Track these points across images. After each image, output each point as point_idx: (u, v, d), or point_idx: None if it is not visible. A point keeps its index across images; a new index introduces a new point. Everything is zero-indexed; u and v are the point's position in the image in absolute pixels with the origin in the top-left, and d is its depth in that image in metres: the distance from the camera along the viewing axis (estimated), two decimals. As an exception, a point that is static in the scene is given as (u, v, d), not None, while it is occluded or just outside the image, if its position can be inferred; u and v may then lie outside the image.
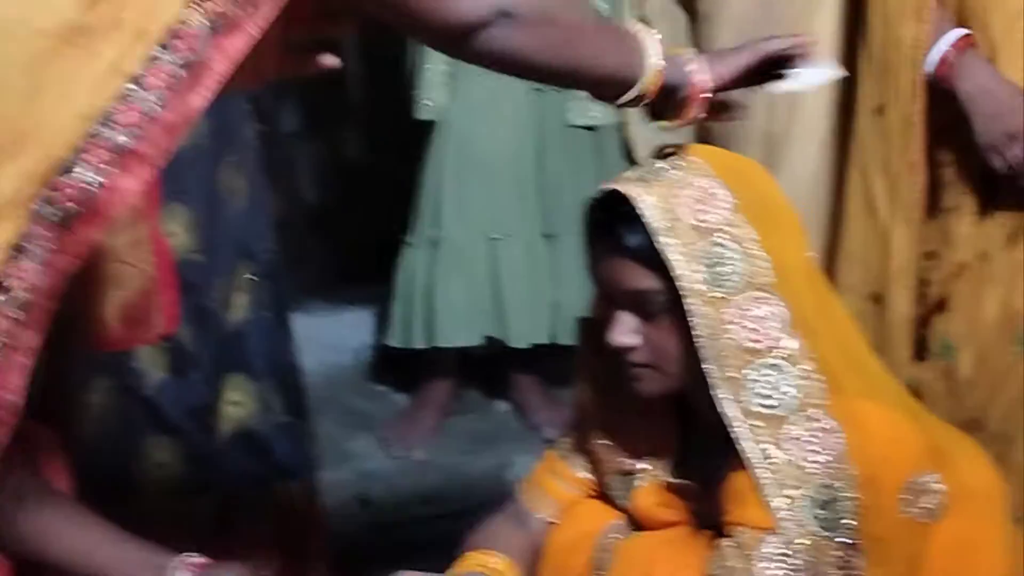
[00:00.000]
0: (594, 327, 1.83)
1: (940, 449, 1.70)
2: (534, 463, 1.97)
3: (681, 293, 1.61)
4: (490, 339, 3.00)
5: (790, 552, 1.59)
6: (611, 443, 1.84)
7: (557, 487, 1.91)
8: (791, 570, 1.59)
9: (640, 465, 1.82)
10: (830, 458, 1.61)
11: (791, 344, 1.63)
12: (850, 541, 1.61)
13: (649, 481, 1.80)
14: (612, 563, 1.76)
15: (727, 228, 1.63)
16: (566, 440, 1.93)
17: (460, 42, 1.35)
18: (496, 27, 1.34)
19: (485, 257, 2.95)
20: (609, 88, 1.52)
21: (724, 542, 1.64)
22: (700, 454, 1.77)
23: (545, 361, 3.13)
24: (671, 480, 1.78)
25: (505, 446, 3.07)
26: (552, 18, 1.40)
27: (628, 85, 1.51)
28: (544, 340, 2.98)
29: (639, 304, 1.66)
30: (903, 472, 1.64)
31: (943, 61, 2.18)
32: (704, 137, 2.25)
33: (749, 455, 1.62)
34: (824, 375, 1.63)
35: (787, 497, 1.60)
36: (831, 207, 2.33)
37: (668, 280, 1.63)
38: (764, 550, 1.60)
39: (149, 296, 2.04)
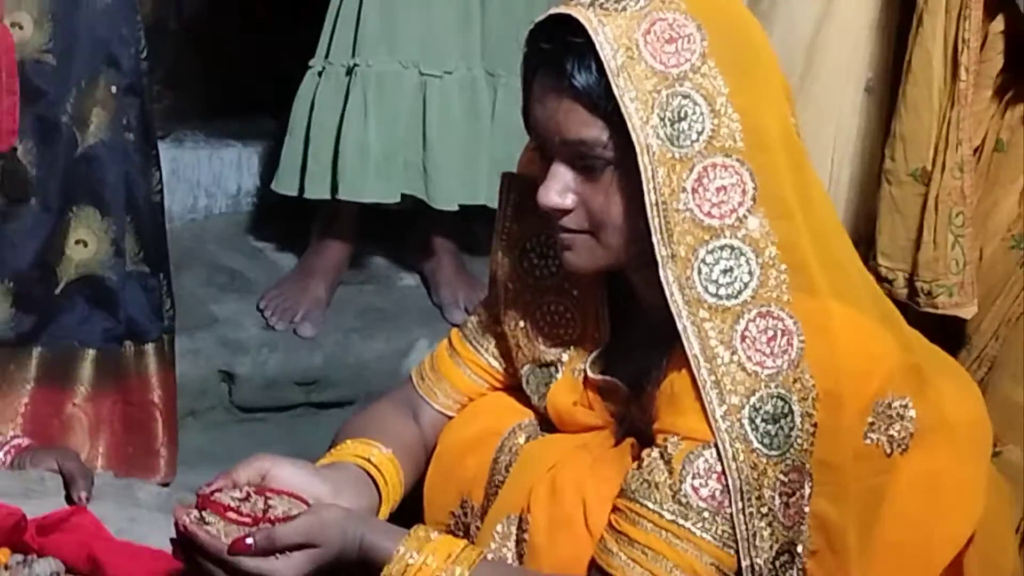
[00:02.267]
0: (521, 184, 1.86)
1: (919, 370, 1.74)
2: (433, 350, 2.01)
3: (636, 148, 1.63)
4: (407, 196, 3.00)
5: (725, 469, 1.64)
6: (529, 328, 1.87)
7: (459, 375, 1.94)
8: (723, 488, 1.64)
9: (561, 356, 1.86)
10: (786, 364, 1.64)
11: (753, 223, 1.65)
12: (798, 464, 1.66)
13: (569, 375, 1.84)
14: (516, 466, 1.81)
15: (694, 77, 1.64)
16: (474, 320, 1.96)
17: None
18: None
19: (411, 95, 2.92)
20: None
21: (649, 452, 1.68)
22: (632, 348, 1.81)
23: (468, 228, 3.15)
24: (595, 376, 1.82)
25: (407, 327, 3.09)
26: None
27: None
28: (474, 201, 2.98)
29: (580, 157, 1.67)
30: (870, 391, 1.69)
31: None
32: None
33: (691, 351, 1.64)
34: (790, 265, 1.66)
35: (730, 405, 1.64)
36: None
37: (618, 131, 1.64)
38: (696, 464, 1.65)
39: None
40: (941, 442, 1.75)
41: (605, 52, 1.63)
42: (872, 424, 1.70)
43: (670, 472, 1.65)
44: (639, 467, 1.68)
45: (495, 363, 1.94)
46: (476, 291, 3.02)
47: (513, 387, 1.93)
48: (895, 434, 1.71)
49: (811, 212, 1.71)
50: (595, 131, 1.65)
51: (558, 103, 1.66)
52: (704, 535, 1.63)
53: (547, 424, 1.87)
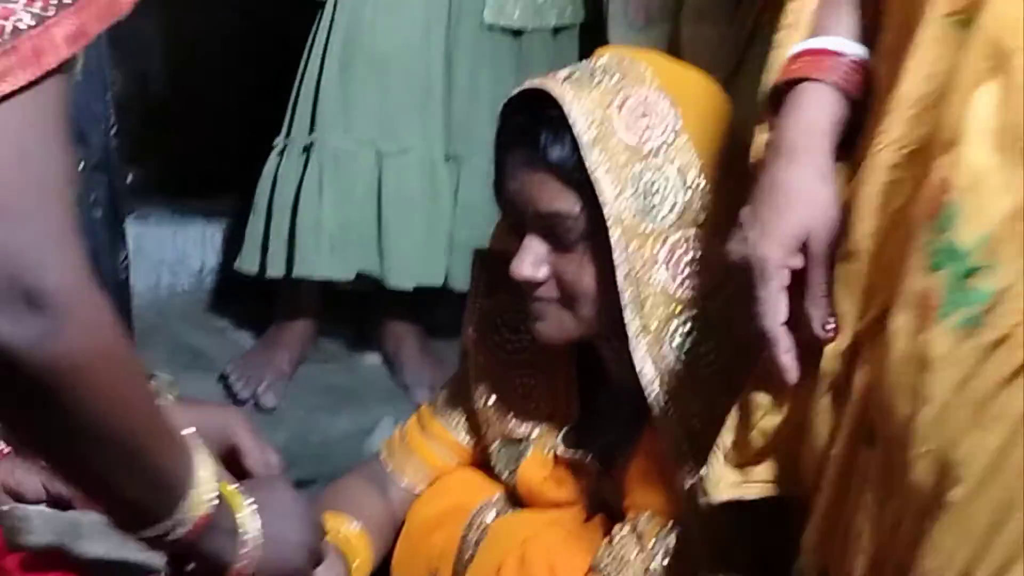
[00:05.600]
0: (492, 260, 1.90)
1: None
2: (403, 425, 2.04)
3: (607, 222, 1.67)
4: (363, 275, 3.03)
5: (694, 548, 1.68)
6: (499, 403, 1.91)
7: (429, 450, 1.98)
8: (694, 567, 1.68)
9: (531, 432, 1.90)
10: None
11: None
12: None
13: (540, 452, 1.88)
14: (485, 543, 1.84)
15: (668, 151, 1.69)
16: (444, 396, 1.99)
17: None
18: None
19: (368, 173, 2.97)
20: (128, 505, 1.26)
21: (620, 527, 1.72)
22: (602, 422, 1.84)
23: (429, 309, 3.19)
24: (565, 453, 1.86)
25: (369, 406, 3.13)
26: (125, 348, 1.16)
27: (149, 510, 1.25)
28: (432, 283, 3.02)
29: (553, 229, 1.71)
30: None
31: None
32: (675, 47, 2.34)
33: (664, 424, 1.69)
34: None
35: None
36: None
37: (591, 204, 1.68)
38: (667, 541, 1.69)
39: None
40: None
41: (579, 126, 1.67)
42: None
43: (641, 548, 1.69)
44: (610, 543, 1.72)
45: (464, 439, 1.97)
46: (440, 371, 3.05)
47: (482, 463, 1.97)
48: None
49: None
50: (568, 203, 1.69)
51: (531, 176, 1.70)
52: None
53: (516, 500, 1.90)
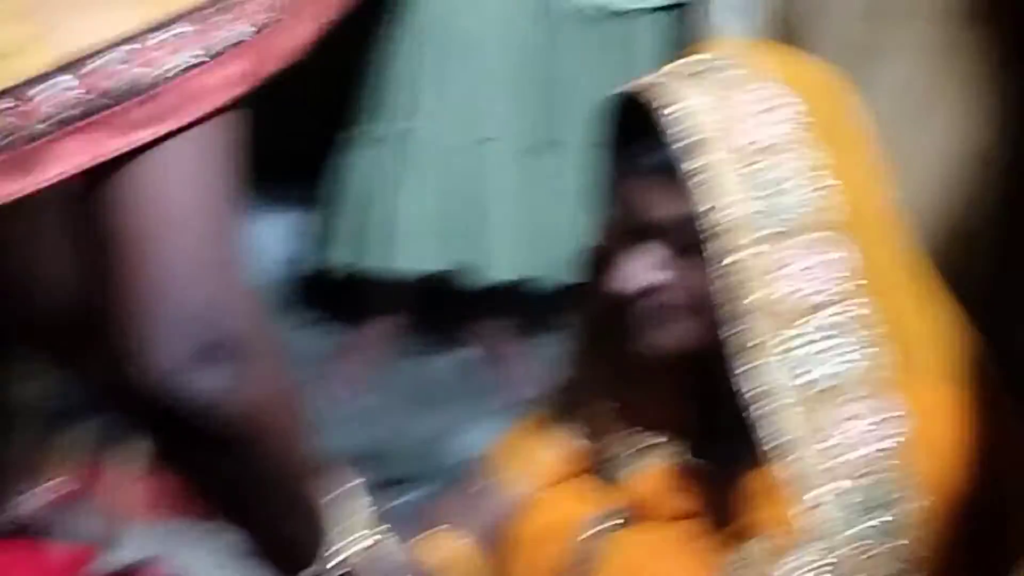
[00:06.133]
0: (606, 260, 1.82)
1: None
2: (497, 430, 1.96)
3: (723, 225, 1.57)
4: (461, 266, 2.94)
5: (830, 563, 1.58)
6: (618, 411, 1.81)
7: (543, 457, 1.87)
8: None
9: (650, 440, 1.80)
10: (893, 448, 1.59)
11: (860, 300, 1.59)
12: (908, 556, 1.59)
13: (659, 461, 1.78)
14: (603, 562, 1.75)
15: (794, 148, 1.59)
16: (558, 401, 1.90)
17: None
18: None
19: (465, 162, 2.88)
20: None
21: (749, 545, 1.62)
22: (724, 431, 1.75)
23: (525, 303, 3.10)
24: (686, 463, 1.76)
25: (462, 404, 3.05)
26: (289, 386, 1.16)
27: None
28: (531, 275, 2.93)
29: (671, 235, 1.62)
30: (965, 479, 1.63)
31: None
32: (787, 36, 2.24)
33: (781, 438, 1.58)
34: (896, 344, 1.61)
35: (831, 493, 1.58)
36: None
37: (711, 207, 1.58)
38: (799, 559, 1.59)
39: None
40: None
41: (696, 124, 1.57)
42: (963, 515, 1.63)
43: (771, 566, 1.59)
44: (736, 561, 1.62)
45: (580, 446, 1.88)
46: (537, 367, 2.97)
47: (596, 471, 1.87)
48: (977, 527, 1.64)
49: (911, 287, 1.66)
50: (685, 207, 1.59)
51: (646, 180, 1.61)
52: None
53: (632, 512, 1.81)
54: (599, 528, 1.79)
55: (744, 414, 1.69)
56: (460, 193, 2.91)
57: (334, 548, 1.23)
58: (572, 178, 2.87)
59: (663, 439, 1.79)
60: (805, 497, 1.57)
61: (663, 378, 1.79)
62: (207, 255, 1.05)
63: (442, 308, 3.22)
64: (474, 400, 3.05)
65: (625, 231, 1.67)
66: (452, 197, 2.91)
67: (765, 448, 1.62)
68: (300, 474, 1.18)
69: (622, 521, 1.80)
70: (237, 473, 1.12)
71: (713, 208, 1.58)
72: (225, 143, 1.09)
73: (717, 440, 1.76)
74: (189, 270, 1.04)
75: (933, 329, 1.66)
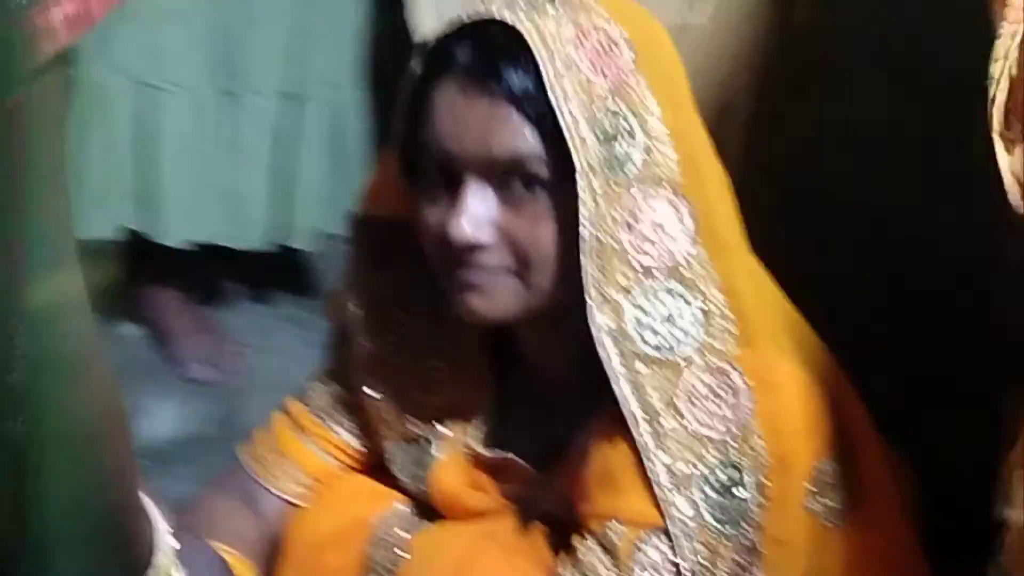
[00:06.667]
0: (376, 226, 1.61)
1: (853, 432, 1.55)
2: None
3: (577, 166, 1.39)
4: (130, 232, 2.63)
5: (680, 558, 1.42)
6: (394, 396, 1.61)
7: (308, 454, 1.67)
8: None
9: (435, 429, 1.60)
10: (735, 427, 1.44)
11: (695, 264, 1.44)
12: (749, 542, 1.44)
13: (455, 453, 1.59)
14: (408, 566, 1.54)
15: (626, 92, 1.43)
16: (320, 389, 1.69)
17: None
18: None
19: (133, 112, 2.57)
20: None
21: (582, 541, 1.45)
22: (526, 417, 1.57)
23: (196, 270, 2.82)
24: (484, 452, 1.57)
25: (134, 386, 2.76)
26: None
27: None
28: (212, 239, 2.63)
29: (506, 178, 1.43)
30: (812, 455, 1.48)
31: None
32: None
33: (631, 414, 1.42)
34: (734, 312, 1.45)
35: (680, 476, 1.42)
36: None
37: (553, 147, 1.41)
38: (647, 553, 1.42)
39: None
40: (870, 515, 1.56)
41: (542, 55, 1.40)
42: (813, 492, 1.49)
43: (616, 565, 1.42)
44: (574, 562, 1.44)
45: (351, 440, 1.67)
46: (216, 342, 2.71)
47: (373, 466, 1.67)
48: (833, 504, 1.51)
49: (741, 248, 1.52)
50: (530, 144, 1.41)
51: (487, 112, 1.41)
52: None
53: (426, 509, 1.61)
54: (393, 531, 1.58)
55: (554, 389, 1.53)
56: (127, 147, 2.58)
57: None
58: (251, 132, 2.62)
59: (450, 427, 1.60)
60: (655, 480, 1.42)
61: (453, 359, 1.60)
62: None
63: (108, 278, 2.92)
64: (148, 383, 2.77)
65: (438, 177, 1.46)
66: (118, 152, 2.58)
67: (598, 427, 1.45)
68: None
69: (417, 522, 1.60)
70: None
71: (554, 148, 1.41)
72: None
73: (513, 425, 1.59)
74: None
75: (763, 297, 1.52)
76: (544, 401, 1.55)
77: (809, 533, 1.48)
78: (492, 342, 1.59)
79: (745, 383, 1.45)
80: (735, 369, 1.45)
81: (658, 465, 1.42)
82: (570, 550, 1.45)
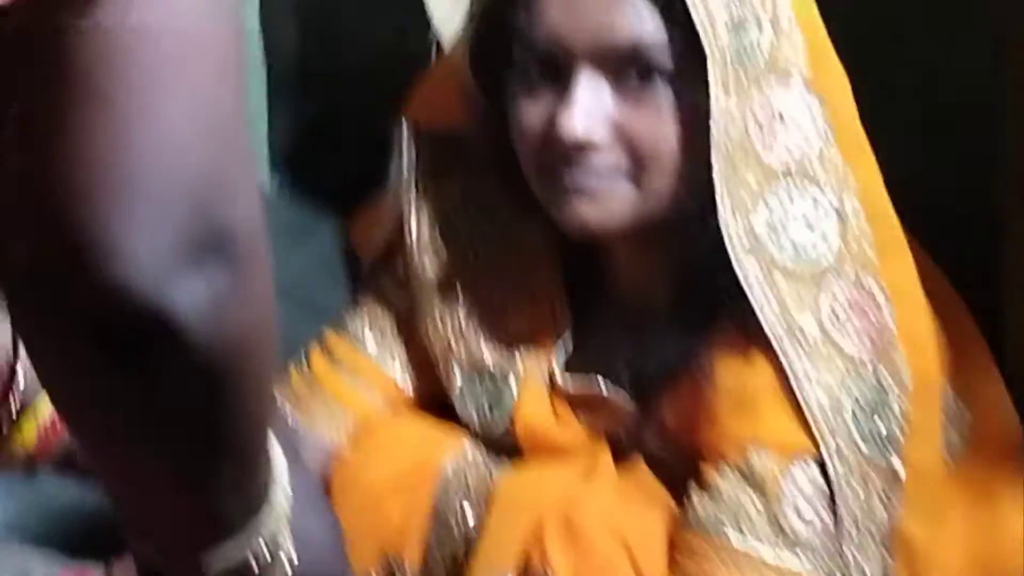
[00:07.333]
0: (433, 131, 1.44)
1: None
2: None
3: (707, 55, 1.24)
4: None
5: (835, 485, 1.26)
6: (463, 323, 1.43)
7: (350, 392, 1.47)
8: (830, 511, 1.26)
9: (512, 358, 1.42)
10: (881, 344, 1.29)
11: (832, 167, 1.30)
12: (893, 472, 1.30)
13: (538, 385, 1.40)
14: (496, 515, 1.35)
15: None
16: (364, 317, 1.49)
17: None
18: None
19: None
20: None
21: (717, 471, 1.28)
22: (611, 343, 1.41)
23: None
24: (571, 383, 1.39)
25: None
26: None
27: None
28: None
29: (624, 69, 1.26)
30: (942, 379, 1.36)
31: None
32: None
33: (773, 329, 1.26)
34: (873, 217, 1.32)
35: (832, 399, 1.27)
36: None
37: (677, 34, 1.25)
38: (798, 482, 1.26)
39: None
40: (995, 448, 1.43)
41: None
42: (943, 422, 1.36)
43: (763, 494, 1.26)
44: (712, 496, 1.28)
45: (402, 375, 1.47)
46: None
47: (428, 403, 1.47)
48: (953, 438, 1.38)
49: (869, 152, 1.38)
50: (653, 29, 1.25)
51: None
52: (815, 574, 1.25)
53: (503, 450, 1.42)
54: (464, 476, 1.40)
55: (630, 317, 1.37)
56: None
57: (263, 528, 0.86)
58: None
59: (526, 355, 1.42)
60: (807, 403, 1.26)
61: (523, 274, 1.42)
62: (210, 116, 0.71)
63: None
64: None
65: (546, 64, 1.29)
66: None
67: (728, 342, 1.29)
68: (254, 427, 0.83)
69: (495, 464, 1.41)
70: (182, 412, 0.76)
71: (680, 36, 1.25)
72: None
73: (598, 352, 1.41)
74: (186, 131, 0.69)
75: (885, 208, 1.38)
76: (634, 327, 1.38)
77: (941, 467, 1.35)
78: (573, 262, 1.42)
79: (887, 297, 1.31)
80: (876, 281, 1.31)
81: (809, 386, 1.27)
82: (702, 483, 1.29)
